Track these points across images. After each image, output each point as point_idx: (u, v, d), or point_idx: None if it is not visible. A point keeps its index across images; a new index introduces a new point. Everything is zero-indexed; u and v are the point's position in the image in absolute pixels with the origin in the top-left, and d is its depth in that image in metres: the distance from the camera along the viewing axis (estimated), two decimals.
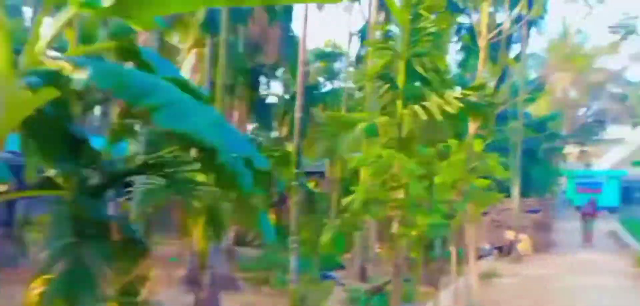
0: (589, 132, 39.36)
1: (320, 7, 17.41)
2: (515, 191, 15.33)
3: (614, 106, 35.14)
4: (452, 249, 9.04)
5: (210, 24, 9.91)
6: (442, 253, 12.69)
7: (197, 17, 10.21)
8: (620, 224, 28.39)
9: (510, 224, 17.06)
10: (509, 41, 16.16)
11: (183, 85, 3.14)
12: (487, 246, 16.17)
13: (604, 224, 28.90)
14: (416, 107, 6.52)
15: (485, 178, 6.86)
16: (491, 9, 13.29)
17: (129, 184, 4.19)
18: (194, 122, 2.21)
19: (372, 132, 6.63)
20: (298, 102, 8.41)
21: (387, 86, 6.86)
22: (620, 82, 33.46)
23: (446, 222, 5.56)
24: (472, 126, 7.91)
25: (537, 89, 25.74)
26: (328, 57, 24.38)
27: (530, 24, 15.79)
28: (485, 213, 19.06)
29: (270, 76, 16.37)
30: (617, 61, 30.73)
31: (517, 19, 11.00)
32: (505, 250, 16.26)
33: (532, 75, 27.83)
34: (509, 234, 16.02)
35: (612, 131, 44.78)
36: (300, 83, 8.54)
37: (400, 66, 6.43)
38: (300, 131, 8.39)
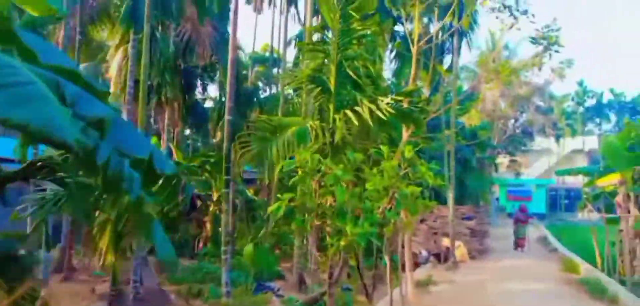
0: (518, 143, 41.50)
1: (258, 10, 17.03)
2: (450, 198, 15.61)
3: (540, 118, 37.19)
4: (387, 258, 8.91)
5: (132, 19, 9.27)
6: (379, 261, 12.68)
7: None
8: (547, 230, 29.91)
9: (447, 231, 17.39)
10: (441, 51, 16.52)
11: (72, 75, 2.73)
12: (424, 254, 16.36)
13: (534, 231, 30.50)
14: (348, 112, 6.36)
15: (417, 185, 6.78)
16: (425, 19, 13.53)
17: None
18: (40, 112, 1.80)
19: (303, 137, 6.38)
20: (227, 105, 8.02)
21: (319, 89, 6.66)
22: (544, 96, 35.49)
23: (375, 230, 5.38)
24: (405, 133, 7.88)
25: (469, 99, 26.77)
26: (266, 61, 24.01)
27: (461, 35, 16.22)
28: (422, 220, 19.44)
29: (206, 78, 15.76)
30: (543, 74, 32.54)
31: (448, 28, 11.19)
32: (442, 257, 16.51)
33: (465, 86, 28.85)
34: (445, 242, 16.30)
35: (539, 142, 47.66)
36: (230, 85, 8.15)
37: (332, 69, 6.25)
38: (230, 135, 7.98)
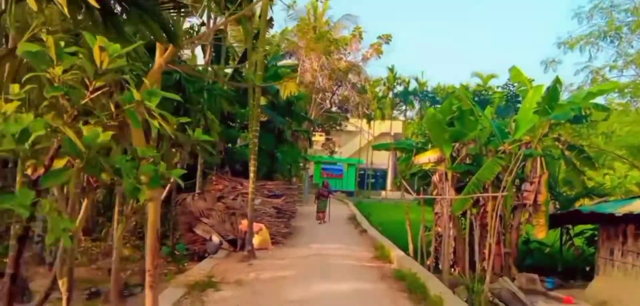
0: (334, 120, 41.11)
1: None
2: (252, 172, 12.28)
3: (355, 96, 36.98)
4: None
5: None
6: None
7: None
8: (357, 208, 29.37)
9: (247, 212, 14.13)
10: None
11: None
12: (215, 241, 12.76)
13: (345, 209, 29.79)
14: None
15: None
16: None
17: None
18: None
19: None
20: None
21: None
22: (361, 74, 35.25)
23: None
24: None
25: (290, 70, 24.07)
26: None
27: None
28: (219, 198, 15.84)
29: None
30: (362, 49, 32.12)
31: None
32: (239, 244, 13.15)
33: (285, 56, 26.24)
34: (244, 224, 12.95)
35: (353, 122, 48.60)
36: None
37: None
38: None
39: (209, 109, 15.95)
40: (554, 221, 12.51)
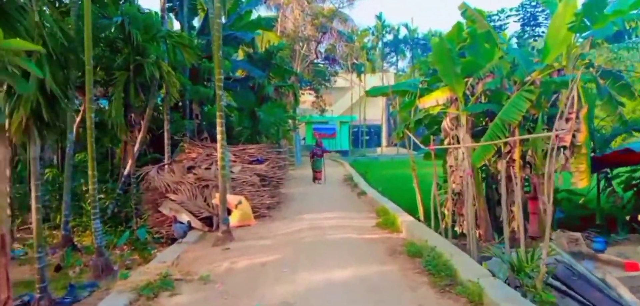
0: (322, 75, 38.43)
1: None
2: (218, 132, 9.87)
3: (343, 47, 34.21)
4: None
5: None
6: None
7: None
8: (353, 168, 27.20)
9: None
10: None
11: None
12: (183, 221, 10.46)
13: (340, 169, 27.60)
14: None
15: None
16: None
17: None
18: None
19: None
20: None
21: None
22: (347, 20, 32.37)
23: None
24: None
25: (267, 23, 21.28)
26: None
27: None
28: (189, 169, 13.47)
29: None
30: None
31: None
32: (215, 223, 10.89)
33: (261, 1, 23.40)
34: (218, 198, 10.62)
35: (343, 75, 45.95)
36: None
37: None
38: None
39: (169, 63, 13.41)
40: (595, 166, 10.34)
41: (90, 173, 9.07)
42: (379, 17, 48.71)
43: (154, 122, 15.65)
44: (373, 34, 49.20)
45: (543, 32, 15.03)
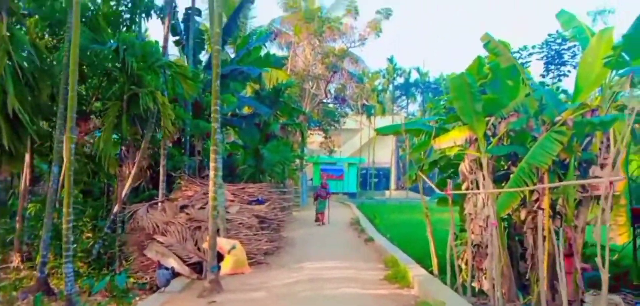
0: (331, 116, 37.69)
1: None
2: (211, 168, 8.89)
3: (353, 86, 33.52)
4: None
5: None
6: None
7: None
8: (360, 211, 26.00)
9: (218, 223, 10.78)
10: None
11: None
12: (167, 268, 9.37)
13: (347, 212, 26.41)
14: None
15: None
16: None
17: None
18: None
19: None
20: None
21: None
22: (358, 61, 31.76)
23: None
24: None
25: (276, 62, 20.59)
26: None
27: None
28: (182, 208, 12.44)
29: None
30: (359, 27, 28.63)
31: None
32: (205, 269, 9.77)
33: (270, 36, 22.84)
34: (206, 242, 9.54)
35: (352, 116, 45.23)
36: None
37: None
38: None
39: (168, 95, 12.61)
40: (633, 218, 9.15)
41: (65, 209, 8.12)
42: (390, 60, 48.34)
43: (152, 158, 14.79)
44: (384, 76, 48.69)
45: (569, 71, 14.04)
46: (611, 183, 5.49)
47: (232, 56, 21.18)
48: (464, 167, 9.64)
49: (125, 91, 11.50)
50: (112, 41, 11.11)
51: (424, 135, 10.96)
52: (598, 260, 6.49)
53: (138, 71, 11.28)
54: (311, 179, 43.35)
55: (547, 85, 12.90)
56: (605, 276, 6.00)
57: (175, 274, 9.29)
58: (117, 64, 12.12)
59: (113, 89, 11.90)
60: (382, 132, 12.05)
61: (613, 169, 8.31)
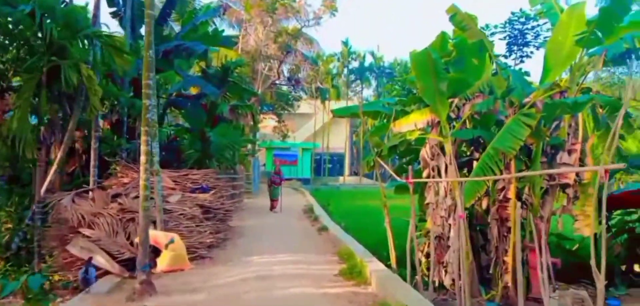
0: (285, 99, 36.61)
1: None
2: (143, 152, 7.72)
3: (307, 68, 32.52)
4: None
5: None
6: None
7: None
8: (314, 197, 25.25)
9: (154, 214, 9.64)
10: None
11: None
12: (98, 261, 8.15)
13: (301, 198, 25.58)
14: None
15: None
16: None
17: None
18: None
19: None
20: None
21: None
22: (312, 43, 30.75)
23: None
24: None
25: (226, 41, 19.20)
26: None
27: None
28: (114, 197, 11.11)
29: None
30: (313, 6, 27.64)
31: None
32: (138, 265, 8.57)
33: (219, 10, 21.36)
34: (139, 236, 8.36)
35: (306, 101, 44.26)
36: None
37: None
38: None
39: (95, 67, 11.14)
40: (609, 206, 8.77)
41: None
42: (345, 43, 47.59)
43: (86, 141, 13.25)
44: (338, 60, 47.93)
45: (531, 52, 13.67)
46: (607, 171, 4.83)
47: (178, 31, 19.64)
48: (425, 152, 8.94)
49: (44, 63, 9.99)
50: (27, 4, 9.53)
51: (383, 118, 10.18)
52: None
53: (60, 39, 9.80)
54: (264, 165, 42.20)
55: (510, 66, 12.46)
56: (545, 261, 5.36)
57: (98, 272, 8.07)
58: (39, 34, 10.57)
59: (31, 61, 10.33)
60: (338, 114, 11.22)
61: (581, 155, 7.84)
